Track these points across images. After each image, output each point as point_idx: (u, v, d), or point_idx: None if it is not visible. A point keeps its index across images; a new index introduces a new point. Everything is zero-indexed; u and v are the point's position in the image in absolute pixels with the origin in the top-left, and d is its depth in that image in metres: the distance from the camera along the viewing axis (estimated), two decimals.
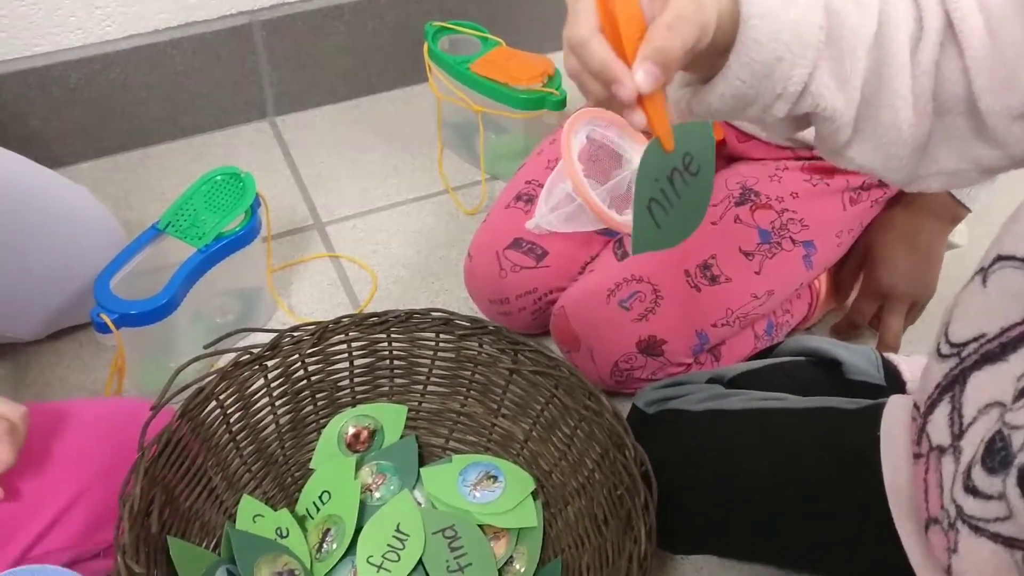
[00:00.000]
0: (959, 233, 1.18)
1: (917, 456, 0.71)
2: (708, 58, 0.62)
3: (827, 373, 0.98)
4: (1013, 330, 0.59)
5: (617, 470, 0.84)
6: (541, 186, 1.08)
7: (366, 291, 1.21)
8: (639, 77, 0.55)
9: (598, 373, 1.02)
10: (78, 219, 1.06)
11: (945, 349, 0.65)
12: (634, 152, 1.02)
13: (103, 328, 0.96)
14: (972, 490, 0.61)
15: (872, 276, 1.11)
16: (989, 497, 0.60)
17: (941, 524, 0.65)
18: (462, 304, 1.17)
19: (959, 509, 0.62)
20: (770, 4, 0.60)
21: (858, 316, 1.14)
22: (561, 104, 1.24)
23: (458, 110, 1.31)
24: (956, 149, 0.66)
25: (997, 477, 0.58)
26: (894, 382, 0.98)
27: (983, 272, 0.61)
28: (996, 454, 0.59)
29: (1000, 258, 0.59)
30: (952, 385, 0.64)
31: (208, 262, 1.03)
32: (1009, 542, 0.58)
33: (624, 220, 0.98)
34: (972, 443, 0.62)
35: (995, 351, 0.60)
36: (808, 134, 0.72)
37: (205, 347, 0.87)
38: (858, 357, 0.98)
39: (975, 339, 0.61)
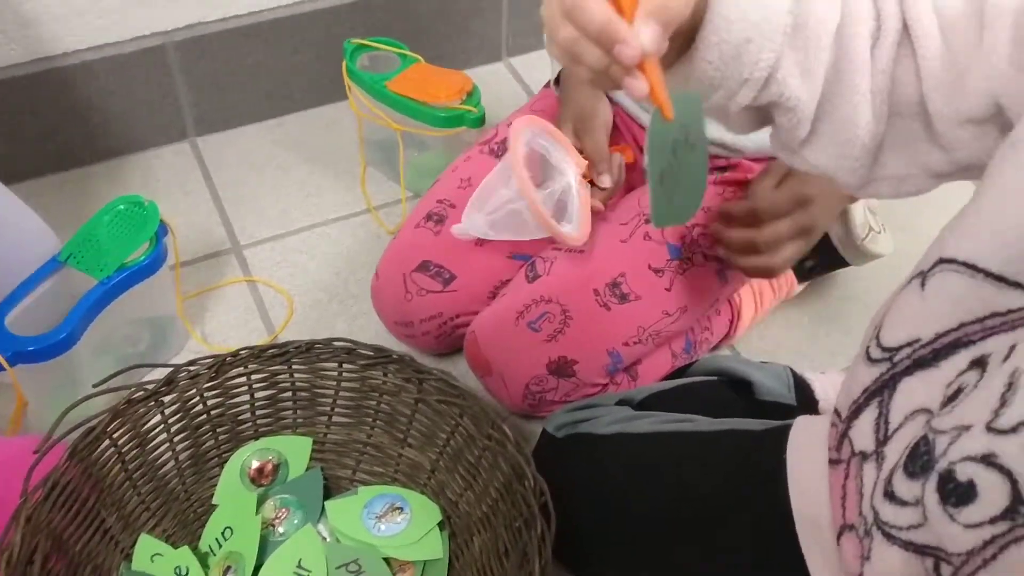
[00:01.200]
0: (883, 242, 1.17)
1: (835, 463, 0.70)
2: (673, 43, 0.59)
3: (739, 394, 0.97)
4: (947, 336, 0.58)
5: (518, 501, 0.82)
6: (453, 205, 1.06)
7: (283, 316, 1.18)
8: (643, 36, 0.53)
9: (511, 397, 1.00)
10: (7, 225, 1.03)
11: (876, 353, 0.64)
12: (567, 165, 1.00)
13: None
14: (890, 496, 0.60)
15: (793, 181, 0.99)
16: (905, 503, 0.59)
17: (857, 531, 0.65)
18: (381, 327, 1.15)
19: (876, 515, 0.62)
20: None
21: (767, 209, 0.98)
22: (479, 121, 1.22)
23: (380, 127, 1.29)
24: (906, 153, 0.65)
25: (917, 482, 0.58)
26: (806, 401, 0.97)
27: (922, 275, 0.60)
28: (919, 459, 0.58)
29: (941, 261, 0.58)
30: (881, 390, 0.63)
31: (110, 294, 1.01)
32: (921, 550, 0.58)
33: (565, 230, 0.96)
34: (896, 450, 0.61)
35: (928, 357, 0.59)
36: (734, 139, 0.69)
37: (94, 386, 0.85)
38: (770, 377, 0.97)
39: (909, 344, 0.60)
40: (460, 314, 1.04)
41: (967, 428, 0.54)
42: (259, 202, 1.33)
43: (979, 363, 0.56)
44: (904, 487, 0.59)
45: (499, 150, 1.10)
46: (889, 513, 0.60)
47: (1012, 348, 0.54)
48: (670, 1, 0.53)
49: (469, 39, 1.54)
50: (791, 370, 0.99)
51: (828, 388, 0.98)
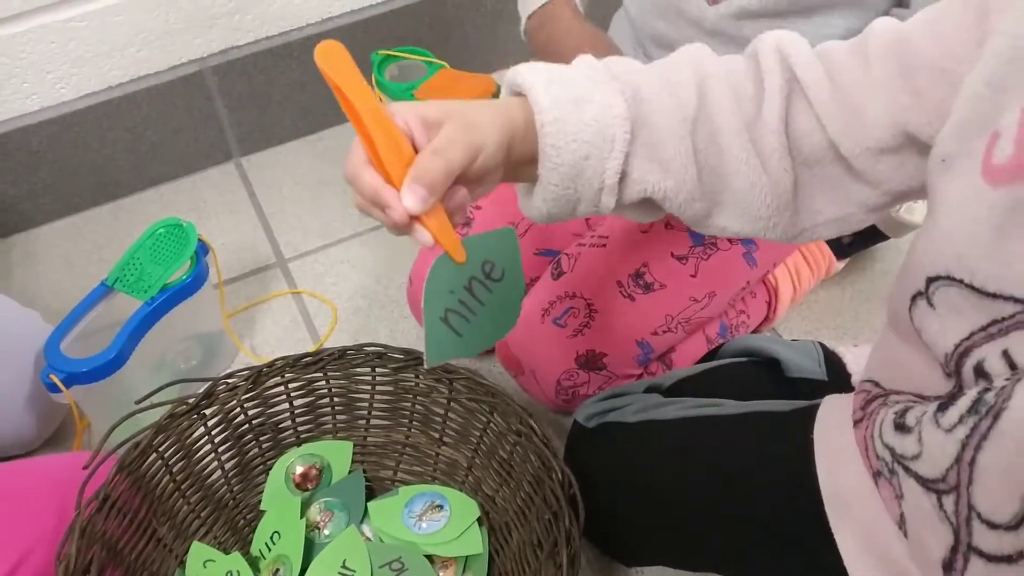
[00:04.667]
0: (920, 211, 1.15)
1: (860, 421, 0.70)
2: (530, 167, 0.65)
3: (768, 373, 0.96)
4: (960, 346, 0.59)
5: (548, 494, 0.84)
6: (478, 207, 1.08)
7: (327, 324, 1.22)
8: (406, 200, 0.57)
9: (544, 394, 1.01)
10: None
11: (946, 369, 0.65)
12: None
13: (53, 388, 0.99)
14: (900, 426, 0.62)
15: None
16: (910, 429, 0.61)
17: (884, 474, 0.66)
18: (421, 331, 1.17)
19: (892, 451, 0.63)
20: (562, 109, 0.62)
21: None
22: None
23: None
24: (837, 196, 0.68)
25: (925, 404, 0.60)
26: (838, 376, 0.96)
27: (924, 295, 0.60)
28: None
29: (931, 279, 0.59)
30: (958, 393, 0.64)
31: (155, 314, 1.05)
32: (925, 484, 0.59)
33: None
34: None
35: (955, 369, 0.60)
36: None
37: (137, 402, 0.89)
38: (799, 354, 0.96)
39: (946, 358, 0.61)
40: None
41: None
42: (302, 216, 1.37)
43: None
44: (915, 412, 0.61)
45: None
46: (898, 443, 0.62)
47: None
48: (433, 166, 0.58)
49: (496, 42, 1.55)
50: (822, 345, 0.98)
51: (862, 361, 0.97)
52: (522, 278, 0.67)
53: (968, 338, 0.58)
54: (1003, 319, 0.55)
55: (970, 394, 0.55)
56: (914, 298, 0.62)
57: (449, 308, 0.63)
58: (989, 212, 0.53)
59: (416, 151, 0.58)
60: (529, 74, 0.63)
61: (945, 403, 0.57)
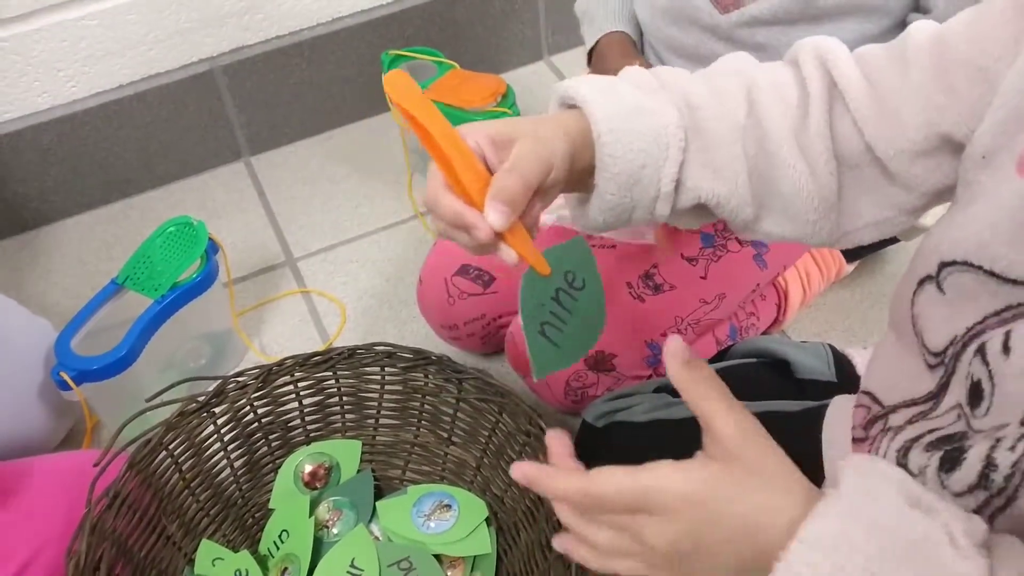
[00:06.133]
0: (932, 214, 1.15)
1: (860, 440, 0.70)
2: (584, 178, 0.65)
3: (778, 374, 0.96)
4: (972, 330, 0.59)
5: None
6: None
7: (336, 324, 1.22)
8: (490, 218, 0.58)
9: (554, 395, 1.01)
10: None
11: (931, 360, 0.65)
12: None
13: (64, 386, 0.99)
14: (903, 467, 0.61)
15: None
16: (913, 475, 0.59)
17: None
18: (430, 331, 1.18)
19: None
20: (618, 120, 0.63)
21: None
22: None
23: None
24: (876, 199, 0.68)
25: (931, 453, 0.58)
26: (847, 377, 0.96)
27: (934, 280, 0.60)
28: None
29: (944, 264, 0.59)
30: (940, 391, 0.64)
31: (165, 312, 1.05)
32: None
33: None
34: (916, 428, 0.62)
35: (959, 352, 0.60)
36: None
37: (147, 400, 0.89)
38: (808, 355, 0.96)
39: (951, 343, 0.61)
40: (503, 314, 1.06)
41: None
42: (311, 215, 1.38)
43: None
44: (918, 459, 0.59)
45: None
46: None
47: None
48: (511, 182, 0.59)
49: (507, 41, 1.55)
50: (831, 347, 0.98)
51: None
52: (601, 283, 0.67)
53: (981, 322, 0.58)
54: (1019, 304, 0.55)
55: (972, 463, 0.52)
56: (921, 282, 0.62)
57: (544, 321, 0.64)
58: (1020, 201, 0.53)
59: (489, 171, 0.59)
60: (581, 87, 0.64)
61: (949, 465, 0.54)
